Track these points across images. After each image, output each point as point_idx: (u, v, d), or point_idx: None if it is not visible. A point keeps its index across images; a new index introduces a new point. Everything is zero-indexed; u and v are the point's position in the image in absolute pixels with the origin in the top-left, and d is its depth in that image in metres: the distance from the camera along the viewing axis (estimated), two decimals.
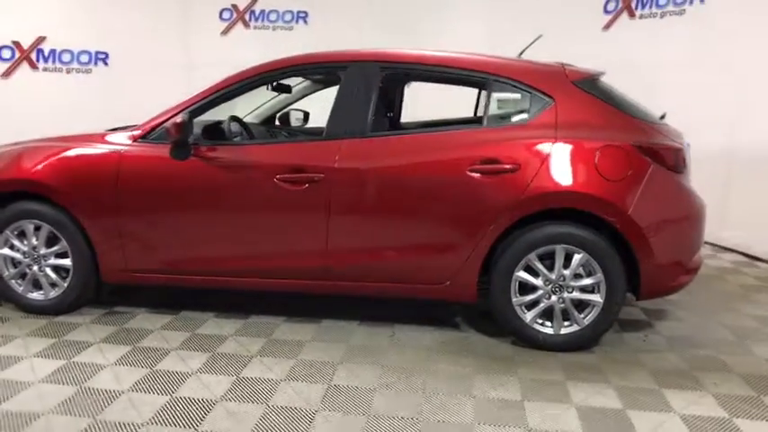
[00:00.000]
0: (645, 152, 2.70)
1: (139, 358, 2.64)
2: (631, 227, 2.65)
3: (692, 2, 5.08)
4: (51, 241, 3.06)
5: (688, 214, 2.78)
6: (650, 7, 5.45)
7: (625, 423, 2.19)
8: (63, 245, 3.03)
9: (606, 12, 5.83)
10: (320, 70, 3.07)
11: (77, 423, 2.10)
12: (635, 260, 2.70)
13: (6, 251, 3.10)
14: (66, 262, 3.06)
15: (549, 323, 2.81)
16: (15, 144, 3.23)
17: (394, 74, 2.92)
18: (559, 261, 2.73)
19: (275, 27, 6.96)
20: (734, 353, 2.83)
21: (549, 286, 2.75)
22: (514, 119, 2.85)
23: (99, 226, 2.98)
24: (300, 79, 3.76)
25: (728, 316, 3.33)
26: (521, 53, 3.23)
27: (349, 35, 6.22)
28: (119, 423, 2.11)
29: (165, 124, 2.91)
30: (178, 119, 2.76)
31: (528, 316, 2.80)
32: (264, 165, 2.85)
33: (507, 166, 2.68)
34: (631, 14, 5.63)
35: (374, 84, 2.88)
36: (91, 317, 3.12)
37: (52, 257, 3.07)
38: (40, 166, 3.00)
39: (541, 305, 2.78)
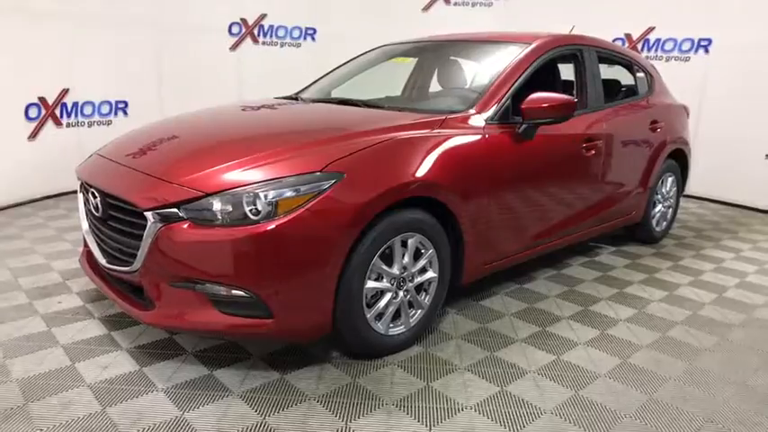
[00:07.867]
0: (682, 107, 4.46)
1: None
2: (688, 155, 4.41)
3: None
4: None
5: None
6: None
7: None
8: (429, 255, 2.48)
9: None
10: (573, 50, 3.38)
11: None
12: (686, 174, 4.48)
13: (372, 284, 2.28)
14: (430, 275, 2.52)
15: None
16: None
17: (600, 57, 3.60)
18: (670, 182, 4.26)
19: None
20: None
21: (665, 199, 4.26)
22: (645, 91, 4.06)
23: (475, 221, 2.61)
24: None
25: None
26: None
27: None
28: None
29: (526, 105, 2.71)
30: (565, 98, 2.75)
31: (653, 222, 4.22)
32: (576, 136, 3.18)
33: (662, 123, 3.95)
34: (447, 1, 7.08)
35: (597, 64, 3.53)
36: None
37: (417, 275, 2.47)
38: (430, 165, 2.38)
39: (662, 210, 4.25)
